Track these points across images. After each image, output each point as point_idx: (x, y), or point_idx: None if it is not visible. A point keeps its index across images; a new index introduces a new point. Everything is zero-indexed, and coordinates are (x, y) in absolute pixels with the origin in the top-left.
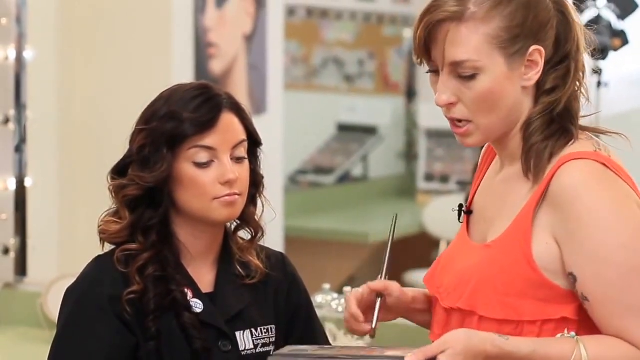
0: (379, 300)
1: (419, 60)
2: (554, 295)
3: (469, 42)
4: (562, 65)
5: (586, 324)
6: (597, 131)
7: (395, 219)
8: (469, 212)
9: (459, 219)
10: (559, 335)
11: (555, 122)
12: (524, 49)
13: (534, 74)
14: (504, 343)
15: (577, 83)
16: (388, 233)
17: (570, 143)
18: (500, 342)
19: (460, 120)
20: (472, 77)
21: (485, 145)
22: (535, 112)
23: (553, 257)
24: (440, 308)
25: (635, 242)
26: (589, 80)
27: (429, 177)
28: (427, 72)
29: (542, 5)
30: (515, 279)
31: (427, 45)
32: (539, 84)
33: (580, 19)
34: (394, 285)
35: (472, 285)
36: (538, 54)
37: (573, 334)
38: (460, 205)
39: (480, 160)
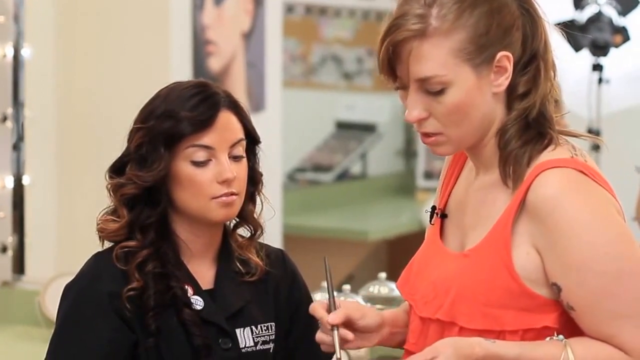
0: (335, 331)
1: (386, 78)
2: (536, 305)
3: (434, 57)
4: (531, 66)
5: (567, 332)
6: (572, 134)
7: (326, 263)
8: (443, 216)
9: (430, 221)
10: (547, 339)
11: (531, 127)
12: (491, 56)
13: (504, 79)
14: (491, 345)
15: (549, 84)
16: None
17: (550, 149)
18: (487, 345)
19: (432, 134)
20: (440, 91)
21: None
22: (510, 119)
23: (535, 267)
24: (416, 317)
25: (617, 249)
26: (590, 77)
27: (428, 175)
28: (396, 89)
29: (505, 9)
30: (496, 289)
31: (391, 65)
32: (510, 89)
33: (547, 17)
34: (355, 313)
35: (452, 296)
36: (506, 59)
37: (562, 337)
38: (434, 207)
39: (449, 162)
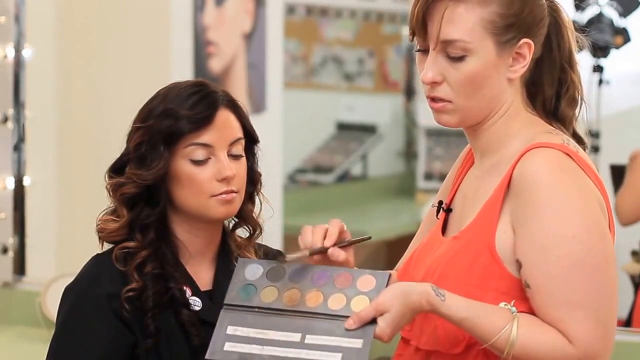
0: (306, 254)
1: (413, 36)
2: (515, 288)
3: (464, 22)
4: (564, 81)
5: None
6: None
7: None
8: (448, 210)
9: (437, 215)
10: (502, 304)
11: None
12: (515, 39)
13: (520, 67)
14: (440, 303)
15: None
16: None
17: (545, 135)
18: (435, 301)
19: (441, 99)
20: (460, 58)
21: (466, 147)
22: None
23: (509, 246)
24: None
25: (584, 236)
26: (590, 78)
27: (429, 176)
28: (417, 51)
29: (539, 2)
30: (477, 269)
31: (424, 21)
32: (533, 84)
33: (572, 25)
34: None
35: (436, 276)
36: (527, 47)
37: (514, 308)
38: (440, 202)
39: (460, 161)
